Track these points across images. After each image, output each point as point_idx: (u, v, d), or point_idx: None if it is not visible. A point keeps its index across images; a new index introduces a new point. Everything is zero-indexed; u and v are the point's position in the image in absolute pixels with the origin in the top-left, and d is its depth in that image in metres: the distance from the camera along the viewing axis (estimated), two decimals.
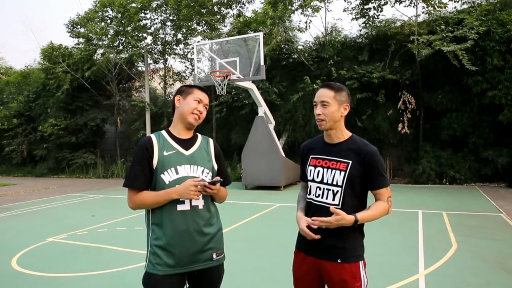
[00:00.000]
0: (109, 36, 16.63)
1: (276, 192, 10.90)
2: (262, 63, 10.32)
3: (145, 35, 16.86)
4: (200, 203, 1.88)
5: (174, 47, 17.57)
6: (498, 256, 4.55)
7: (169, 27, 16.93)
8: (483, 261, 4.38)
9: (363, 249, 1.88)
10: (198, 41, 15.03)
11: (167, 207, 1.83)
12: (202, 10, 15.26)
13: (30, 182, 15.81)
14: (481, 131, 11.72)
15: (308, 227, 1.84)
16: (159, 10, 16.16)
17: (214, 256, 1.90)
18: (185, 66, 18.59)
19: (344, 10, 14.10)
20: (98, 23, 16.64)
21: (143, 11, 16.05)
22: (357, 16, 13.88)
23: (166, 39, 17.40)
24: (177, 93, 2.00)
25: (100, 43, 17.17)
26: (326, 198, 1.86)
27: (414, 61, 12.32)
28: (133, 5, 15.60)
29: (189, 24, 15.85)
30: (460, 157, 11.86)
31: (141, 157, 1.86)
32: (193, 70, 16.35)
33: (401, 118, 12.41)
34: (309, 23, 14.17)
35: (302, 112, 13.51)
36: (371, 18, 13.63)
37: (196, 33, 16.46)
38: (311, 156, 1.98)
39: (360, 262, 1.83)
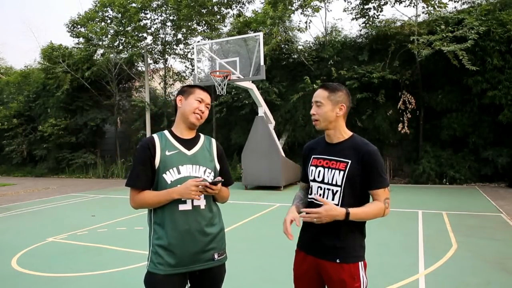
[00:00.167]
0: (109, 36, 16.64)
1: (276, 192, 10.90)
2: (262, 63, 10.32)
3: (145, 35, 16.86)
4: (202, 203, 1.88)
5: (174, 47, 17.58)
6: (498, 256, 4.55)
7: (169, 27, 16.94)
8: (483, 261, 4.38)
9: (363, 250, 1.87)
10: (198, 41, 15.04)
11: (169, 207, 1.84)
12: (202, 10, 15.27)
13: (30, 182, 15.81)
14: (481, 131, 11.72)
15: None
16: (159, 10, 16.17)
17: (216, 256, 1.90)
18: (185, 66, 18.61)
19: (344, 10, 14.11)
20: (98, 23, 16.65)
21: (143, 11, 16.06)
22: (357, 16, 13.89)
23: (166, 39, 17.40)
24: (178, 93, 2.01)
25: (100, 43, 17.17)
26: (327, 198, 1.86)
27: (414, 61, 12.32)
28: (133, 5, 15.61)
29: (189, 24, 15.85)
30: (460, 157, 11.86)
31: (143, 156, 1.86)
32: (193, 70, 16.35)
33: (401, 118, 12.41)
34: (309, 23, 14.19)
35: (302, 112, 13.51)
36: (371, 18, 13.64)
37: (196, 33, 16.46)
38: (312, 156, 1.99)
39: (360, 262, 1.83)
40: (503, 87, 11.00)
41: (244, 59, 10.83)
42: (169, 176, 1.86)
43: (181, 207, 1.84)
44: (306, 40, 17.79)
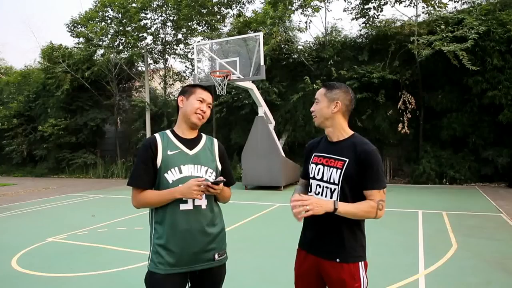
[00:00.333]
0: (109, 36, 16.64)
1: (276, 192, 10.90)
2: (262, 63, 10.33)
3: (145, 35, 16.86)
4: (203, 203, 1.88)
5: (174, 47, 17.60)
6: (498, 256, 4.55)
7: (170, 27, 16.95)
8: (483, 261, 4.38)
9: (364, 250, 1.87)
10: (198, 41, 15.04)
11: (170, 207, 1.84)
12: (202, 10, 15.27)
13: (30, 182, 15.80)
14: (481, 131, 11.72)
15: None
16: (159, 10, 16.17)
17: (216, 256, 1.91)
18: (185, 66, 18.61)
19: (344, 10, 14.12)
20: (98, 23, 16.65)
21: (143, 11, 16.06)
22: (357, 16, 13.89)
23: (166, 39, 17.42)
24: (180, 93, 2.02)
25: (100, 43, 17.18)
26: (325, 196, 1.86)
27: (414, 61, 12.32)
28: (134, 5, 15.61)
29: (189, 24, 15.86)
30: (460, 157, 11.86)
31: (145, 156, 1.87)
32: (193, 70, 16.35)
33: (401, 118, 12.41)
34: (309, 23, 14.19)
35: (302, 112, 13.52)
36: (371, 18, 13.64)
37: (196, 33, 16.46)
38: (314, 154, 2.00)
39: (360, 262, 1.82)
40: (503, 87, 10.99)
41: (244, 59, 10.84)
42: (171, 176, 1.86)
43: (182, 206, 1.84)
44: (306, 40, 17.82)
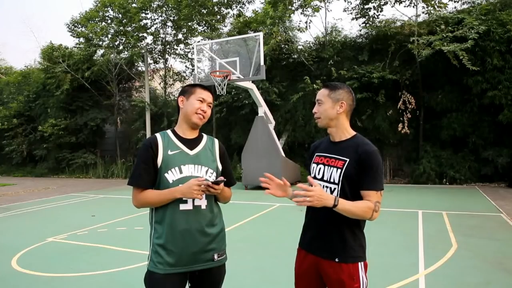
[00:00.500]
0: (109, 36, 16.65)
1: None
2: (262, 63, 10.33)
3: (145, 35, 16.87)
4: (203, 203, 1.88)
5: (175, 47, 17.59)
6: (498, 256, 4.55)
7: (170, 27, 16.95)
8: (483, 261, 4.38)
9: (364, 251, 1.87)
10: (199, 41, 15.05)
11: (170, 206, 1.84)
12: (203, 10, 15.28)
13: (30, 182, 15.81)
14: (481, 131, 11.72)
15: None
16: (159, 10, 16.17)
17: (216, 257, 1.91)
18: (185, 66, 18.63)
19: (344, 10, 14.13)
20: (98, 23, 16.65)
21: (143, 11, 16.06)
22: (357, 16, 13.90)
23: (167, 39, 17.41)
24: (180, 93, 2.02)
25: (101, 43, 17.18)
26: None
27: (414, 61, 12.32)
28: (134, 5, 15.61)
29: (189, 24, 15.86)
30: (460, 157, 11.86)
31: (146, 156, 1.87)
32: (193, 70, 16.35)
33: (401, 118, 12.42)
34: (309, 23, 14.21)
35: (302, 112, 13.52)
36: (371, 18, 13.65)
37: (197, 33, 16.48)
38: (316, 153, 2.01)
39: (360, 263, 1.82)
40: (503, 87, 11.00)
41: (244, 59, 10.84)
42: (171, 176, 1.86)
43: (182, 206, 1.84)
44: (306, 40, 17.83)
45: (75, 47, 17.93)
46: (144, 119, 16.99)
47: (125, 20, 15.90)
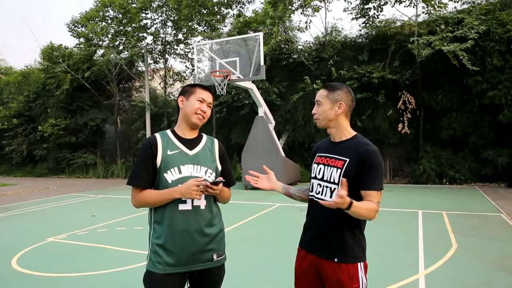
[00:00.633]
0: (109, 36, 16.65)
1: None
2: (262, 63, 10.33)
3: (145, 35, 16.87)
4: (202, 203, 1.88)
5: (175, 47, 17.59)
6: (498, 256, 4.55)
7: (170, 27, 16.94)
8: (483, 261, 4.38)
9: (364, 251, 1.86)
10: (199, 41, 15.05)
11: (169, 206, 1.84)
12: (203, 10, 15.28)
13: (30, 182, 15.81)
14: (481, 131, 11.72)
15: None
16: (159, 10, 16.17)
17: (215, 257, 1.90)
18: (185, 66, 18.65)
19: (344, 10, 14.12)
20: (98, 23, 16.66)
21: (143, 11, 16.07)
22: (357, 16, 13.90)
23: (167, 39, 17.41)
24: (180, 93, 2.02)
25: (101, 43, 17.18)
26: (325, 196, 1.87)
27: (414, 61, 12.32)
28: (134, 5, 15.62)
29: (189, 24, 15.86)
30: (460, 157, 11.86)
31: (145, 155, 1.87)
32: (193, 70, 16.35)
33: (401, 118, 12.42)
34: (309, 23, 14.22)
35: (302, 112, 13.52)
36: (371, 18, 13.64)
37: (197, 33, 16.48)
38: (317, 154, 2.02)
39: (359, 263, 1.82)
40: (503, 87, 11.00)
41: (244, 59, 10.84)
42: (170, 176, 1.86)
43: (181, 207, 1.84)
44: (306, 40, 17.83)
45: (75, 47, 17.94)
46: (144, 119, 16.99)
47: (125, 20, 15.90)
